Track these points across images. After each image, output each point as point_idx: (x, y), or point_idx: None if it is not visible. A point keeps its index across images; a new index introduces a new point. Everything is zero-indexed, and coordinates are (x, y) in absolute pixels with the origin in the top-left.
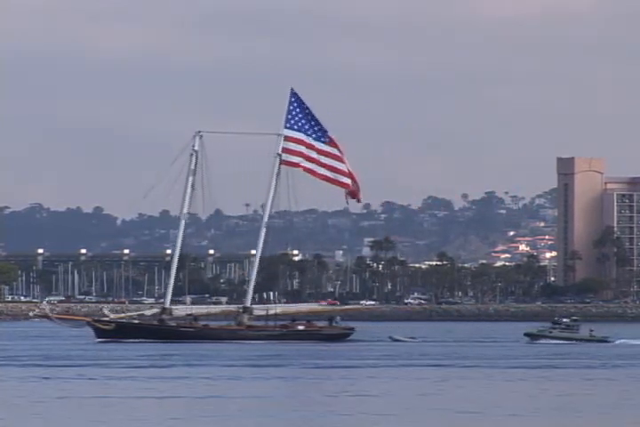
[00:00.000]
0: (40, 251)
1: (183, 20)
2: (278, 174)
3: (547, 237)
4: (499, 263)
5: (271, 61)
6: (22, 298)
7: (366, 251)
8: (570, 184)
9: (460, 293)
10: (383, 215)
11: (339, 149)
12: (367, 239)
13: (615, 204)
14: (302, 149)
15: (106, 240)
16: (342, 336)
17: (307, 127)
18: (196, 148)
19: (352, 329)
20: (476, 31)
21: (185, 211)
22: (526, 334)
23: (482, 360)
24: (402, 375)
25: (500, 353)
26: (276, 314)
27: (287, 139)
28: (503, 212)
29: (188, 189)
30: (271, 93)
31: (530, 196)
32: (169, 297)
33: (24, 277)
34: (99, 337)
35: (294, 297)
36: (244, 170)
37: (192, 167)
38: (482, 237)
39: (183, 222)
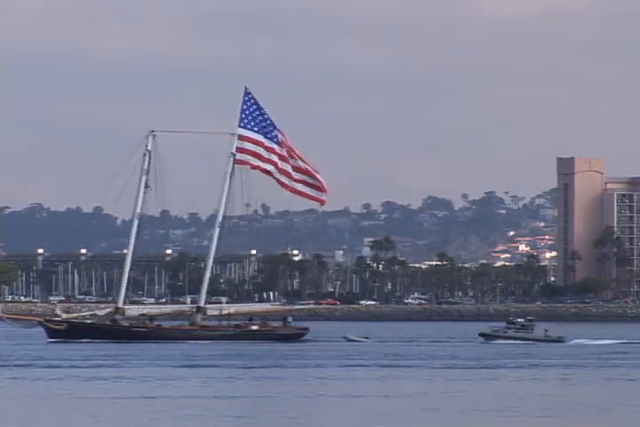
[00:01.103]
0: (40, 251)
1: (183, 20)
2: (232, 174)
3: (547, 237)
4: (499, 263)
5: (271, 61)
6: (22, 298)
7: (366, 251)
8: (570, 184)
9: (459, 293)
10: (383, 215)
11: (292, 150)
12: (367, 239)
13: (615, 204)
14: (260, 150)
15: (106, 240)
16: (296, 336)
17: (262, 126)
18: (149, 147)
19: (306, 329)
20: (476, 31)
21: (138, 210)
22: (481, 335)
23: (423, 360)
24: (337, 376)
25: (445, 353)
26: (229, 314)
27: (241, 138)
28: (503, 212)
29: (142, 189)
30: (271, 93)
31: (530, 196)
32: (122, 297)
33: (24, 277)
34: (50, 337)
35: (294, 297)
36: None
37: (145, 167)
38: (482, 237)
39: (137, 222)
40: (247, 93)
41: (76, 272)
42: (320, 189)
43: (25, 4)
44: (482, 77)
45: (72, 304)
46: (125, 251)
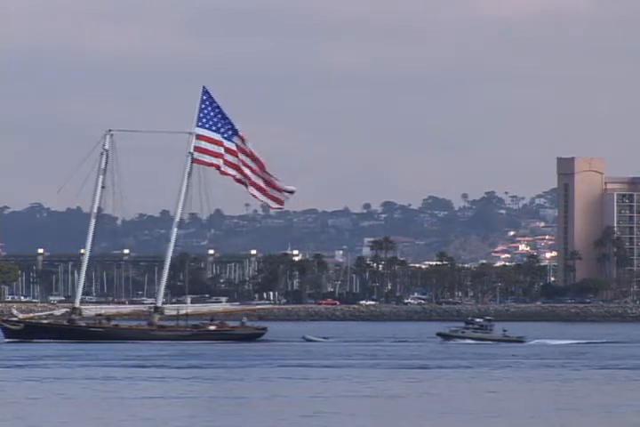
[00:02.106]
0: (40, 251)
1: (183, 19)
2: (190, 173)
3: (547, 237)
4: (499, 263)
5: (271, 61)
6: (22, 298)
7: (366, 251)
8: (570, 184)
9: (459, 293)
10: (383, 215)
11: (249, 151)
12: (367, 239)
13: (615, 204)
14: (218, 149)
15: (106, 240)
16: (254, 336)
17: (219, 126)
18: (106, 147)
19: (264, 329)
20: (476, 31)
21: (94, 210)
22: (439, 334)
23: (371, 360)
24: (288, 375)
25: (396, 353)
26: (186, 314)
27: (199, 137)
28: (503, 212)
29: (99, 188)
30: (271, 93)
31: (530, 196)
32: (79, 297)
33: (24, 277)
34: (7, 337)
35: (294, 297)
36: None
37: (102, 166)
38: (482, 237)
39: (93, 221)
40: (205, 92)
41: (75, 272)
42: (273, 195)
43: (25, 4)
44: (482, 77)
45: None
46: (126, 251)
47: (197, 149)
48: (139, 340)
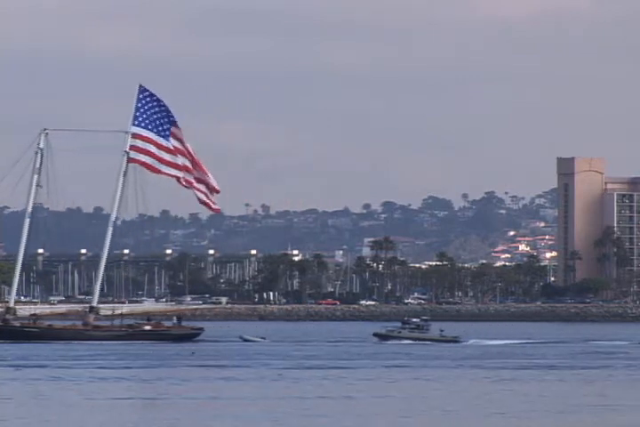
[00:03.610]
0: (40, 251)
1: (183, 19)
2: (126, 172)
3: (547, 237)
4: (499, 263)
5: (271, 61)
6: (22, 298)
7: (366, 251)
8: (570, 184)
9: (459, 293)
10: (383, 215)
11: (187, 151)
12: (367, 239)
13: (615, 204)
14: (152, 148)
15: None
16: (190, 336)
17: (156, 124)
18: (41, 145)
19: (201, 329)
20: (476, 31)
21: (29, 209)
22: (375, 335)
23: (278, 361)
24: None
25: (306, 353)
26: (121, 314)
27: (135, 136)
28: (503, 212)
29: (33, 187)
30: (271, 93)
31: (530, 196)
32: (14, 296)
33: (24, 277)
34: None
35: (294, 297)
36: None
37: (37, 165)
38: (482, 237)
39: (28, 221)
40: (142, 91)
41: (75, 272)
42: (206, 199)
43: (25, 4)
44: (482, 77)
45: (72, 304)
46: (126, 251)
47: (133, 147)
48: (74, 340)
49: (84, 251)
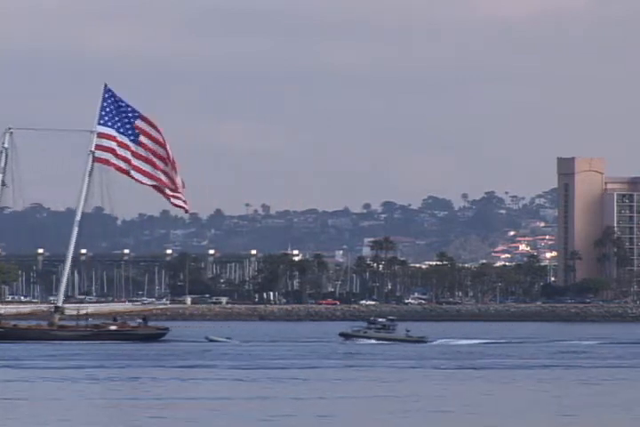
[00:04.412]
0: (40, 251)
1: (183, 19)
2: (91, 172)
3: (547, 237)
4: (499, 263)
5: (271, 61)
6: (22, 298)
7: (366, 251)
8: (570, 184)
9: (460, 293)
10: (383, 215)
11: (154, 151)
12: (367, 239)
13: (615, 204)
14: (114, 146)
15: (106, 240)
16: (156, 336)
17: (121, 124)
18: (5, 145)
19: (166, 329)
20: (476, 31)
21: None
22: (341, 334)
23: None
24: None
25: (294, 353)
26: (87, 314)
27: (100, 135)
28: (503, 212)
29: None
30: (271, 93)
31: (530, 196)
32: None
33: (24, 277)
34: None
35: (295, 297)
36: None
37: (2, 165)
38: (482, 237)
39: None
40: (107, 90)
41: (75, 272)
42: (174, 195)
43: (24, 4)
44: (482, 77)
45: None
46: (126, 251)
47: (99, 147)
48: (39, 340)
49: (83, 251)
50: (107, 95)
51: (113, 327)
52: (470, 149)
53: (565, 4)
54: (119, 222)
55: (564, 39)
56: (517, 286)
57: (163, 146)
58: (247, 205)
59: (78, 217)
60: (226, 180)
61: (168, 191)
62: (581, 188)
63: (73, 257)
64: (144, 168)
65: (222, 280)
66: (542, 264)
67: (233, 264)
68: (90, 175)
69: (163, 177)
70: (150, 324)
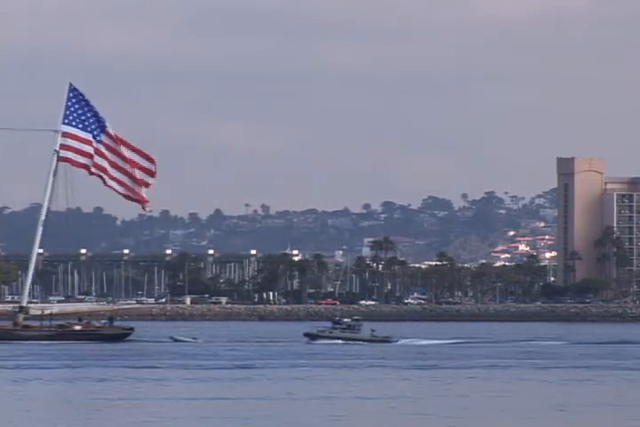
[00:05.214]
0: (40, 251)
1: (183, 19)
2: (56, 171)
3: (547, 237)
4: (499, 263)
5: (271, 61)
6: None
7: (366, 251)
8: (570, 184)
9: (459, 293)
10: (383, 215)
11: (116, 150)
12: (367, 239)
13: (615, 204)
14: (86, 148)
15: (106, 240)
16: (121, 336)
17: (86, 124)
18: None
19: (131, 329)
20: (476, 31)
21: None
22: (306, 335)
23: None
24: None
25: (259, 353)
26: (51, 314)
27: (65, 135)
28: (503, 212)
29: None
30: (271, 93)
31: (530, 196)
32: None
33: (24, 278)
34: None
35: (294, 297)
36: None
37: None
38: (482, 237)
39: None
40: (72, 90)
41: (75, 272)
42: (138, 193)
43: (24, 4)
44: (482, 77)
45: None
46: (126, 251)
47: (63, 146)
48: (2, 340)
49: (83, 251)
50: (71, 95)
51: (77, 327)
52: (470, 149)
53: (565, 3)
54: (119, 222)
55: (563, 39)
56: (517, 286)
57: (125, 144)
58: (247, 205)
59: (43, 216)
60: (226, 180)
61: (123, 190)
62: (581, 188)
63: (73, 257)
64: (104, 165)
65: (222, 280)
66: (542, 264)
67: (232, 264)
68: (55, 175)
69: (118, 175)
70: (116, 324)
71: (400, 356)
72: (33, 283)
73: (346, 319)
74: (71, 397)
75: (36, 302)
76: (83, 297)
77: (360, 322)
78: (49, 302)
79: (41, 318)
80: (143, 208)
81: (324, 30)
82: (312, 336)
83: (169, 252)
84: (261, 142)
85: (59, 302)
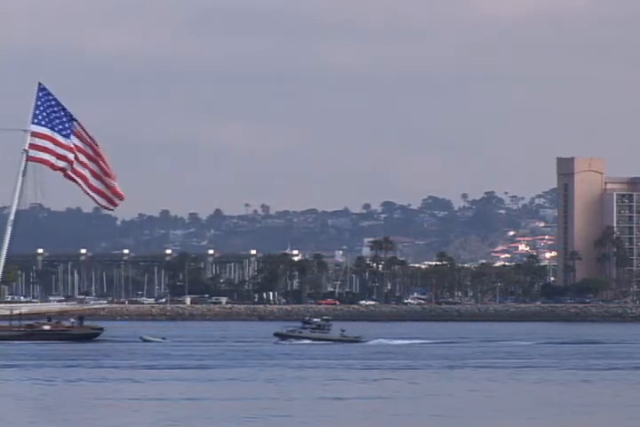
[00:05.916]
0: (40, 251)
1: (183, 19)
2: (25, 171)
3: (547, 237)
4: (499, 263)
5: (271, 61)
6: (22, 298)
7: (366, 251)
8: (570, 184)
9: (459, 293)
10: (383, 215)
11: (85, 150)
12: (367, 239)
13: (615, 204)
14: (51, 145)
15: (106, 240)
16: (90, 336)
17: (55, 122)
18: None
19: (101, 329)
20: (476, 31)
21: None
22: (276, 334)
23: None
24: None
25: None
26: (20, 313)
27: (34, 135)
28: (503, 212)
29: None
30: (271, 93)
31: (530, 196)
32: None
33: (24, 277)
34: None
35: (294, 297)
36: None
37: None
38: (482, 237)
39: None
40: (41, 89)
41: (75, 272)
42: (109, 195)
43: (24, 4)
44: (482, 77)
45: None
46: (126, 251)
47: (32, 146)
48: None
49: (83, 251)
50: (40, 94)
51: (46, 327)
52: (470, 149)
53: (565, 4)
54: (119, 222)
55: (563, 39)
56: (517, 286)
57: (92, 147)
58: (247, 205)
59: (12, 216)
60: (226, 180)
61: (89, 190)
62: (581, 188)
63: (73, 257)
64: (79, 169)
65: (222, 280)
66: (542, 264)
67: (232, 264)
68: (24, 175)
69: (88, 175)
70: (85, 323)
71: (359, 356)
72: (33, 283)
73: (316, 319)
74: (37, 397)
75: (36, 303)
76: (83, 297)
77: (330, 322)
78: (49, 301)
79: (10, 318)
80: (114, 204)
81: (324, 30)
82: (282, 336)
83: (169, 252)
84: (261, 142)
85: (59, 301)
